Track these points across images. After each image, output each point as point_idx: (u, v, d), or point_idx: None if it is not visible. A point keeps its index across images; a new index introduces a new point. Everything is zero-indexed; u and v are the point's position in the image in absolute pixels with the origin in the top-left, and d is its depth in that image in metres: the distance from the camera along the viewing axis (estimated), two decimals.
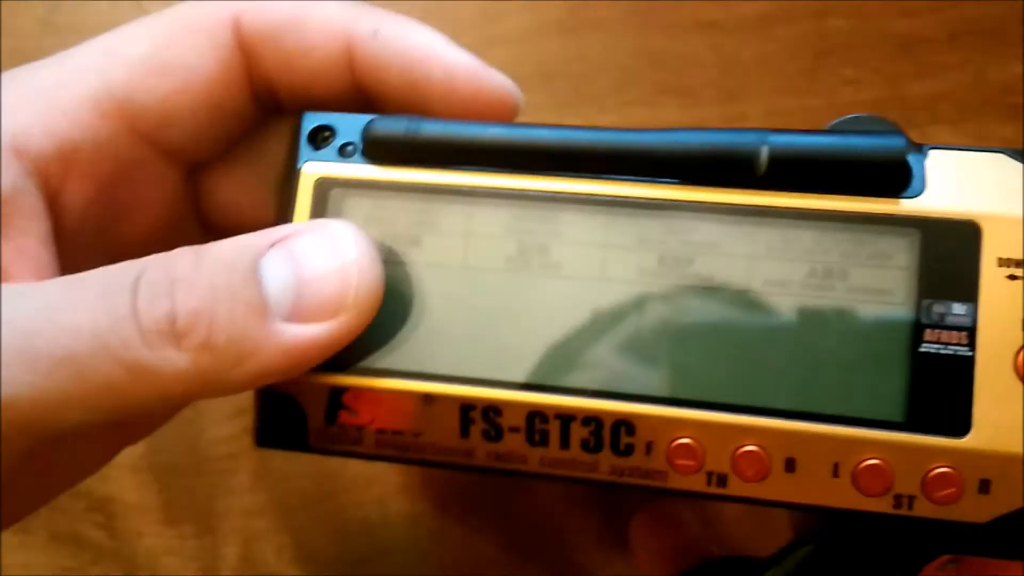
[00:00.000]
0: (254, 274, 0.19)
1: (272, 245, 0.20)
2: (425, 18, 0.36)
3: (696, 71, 0.35)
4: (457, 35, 0.36)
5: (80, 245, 0.22)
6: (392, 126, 0.23)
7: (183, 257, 0.19)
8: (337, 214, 0.22)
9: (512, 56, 0.36)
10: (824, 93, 0.34)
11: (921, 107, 0.34)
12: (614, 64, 0.35)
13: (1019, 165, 0.20)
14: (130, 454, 0.35)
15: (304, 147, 0.23)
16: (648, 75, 0.35)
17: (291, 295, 0.19)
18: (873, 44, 0.34)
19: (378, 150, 0.23)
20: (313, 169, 0.23)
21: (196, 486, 0.34)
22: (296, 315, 0.19)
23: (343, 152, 0.23)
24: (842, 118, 0.22)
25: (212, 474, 0.34)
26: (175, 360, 0.18)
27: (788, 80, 0.34)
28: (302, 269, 0.19)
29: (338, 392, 0.22)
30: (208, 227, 0.26)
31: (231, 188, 0.25)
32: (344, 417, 0.22)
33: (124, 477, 0.34)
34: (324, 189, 0.23)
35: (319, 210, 0.22)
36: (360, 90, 0.24)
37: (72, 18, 0.38)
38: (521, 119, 0.35)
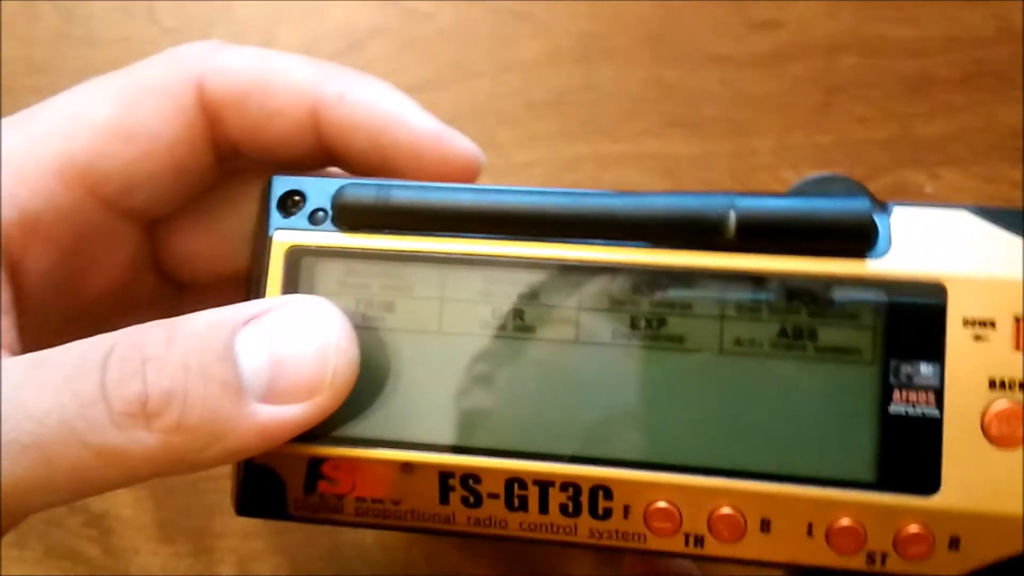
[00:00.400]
0: (229, 352, 0.18)
1: (247, 322, 0.19)
2: (439, 45, 0.37)
3: (707, 104, 0.35)
4: (470, 62, 0.36)
5: (40, 305, 0.22)
6: (362, 193, 0.22)
7: (154, 333, 0.18)
8: (310, 282, 0.22)
9: (524, 84, 0.36)
10: (834, 130, 0.34)
11: (931, 147, 0.34)
12: (625, 94, 0.35)
13: (981, 223, 0.21)
14: None
15: (274, 213, 0.23)
16: (659, 106, 0.35)
17: (267, 375, 0.19)
18: (884, 83, 0.34)
19: (349, 217, 0.22)
20: (284, 237, 0.23)
21: (192, 505, 0.34)
22: (272, 396, 0.19)
23: (313, 219, 0.23)
24: (808, 178, 0.22)
25: (209, 493, 0.34)
26: (145, 441, 0.17)
27: (799, 116, 0.34)
28: (279, 348, 0.19)
29: (317, 462, 0.22)
30: (166, 276, 0.26)
31: (190, 240, 0.25)
32: (324, 487, 0.22)
33: (121, 494, 0.34)
34: (296, 257, 0.22)
35: (291, 278, 0.22)
36: (326, 151, 0.24)
37: (87, 29, 0.39)
38: (532, 146, 0.35)
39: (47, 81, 0.39)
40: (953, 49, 0.34)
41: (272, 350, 0.19)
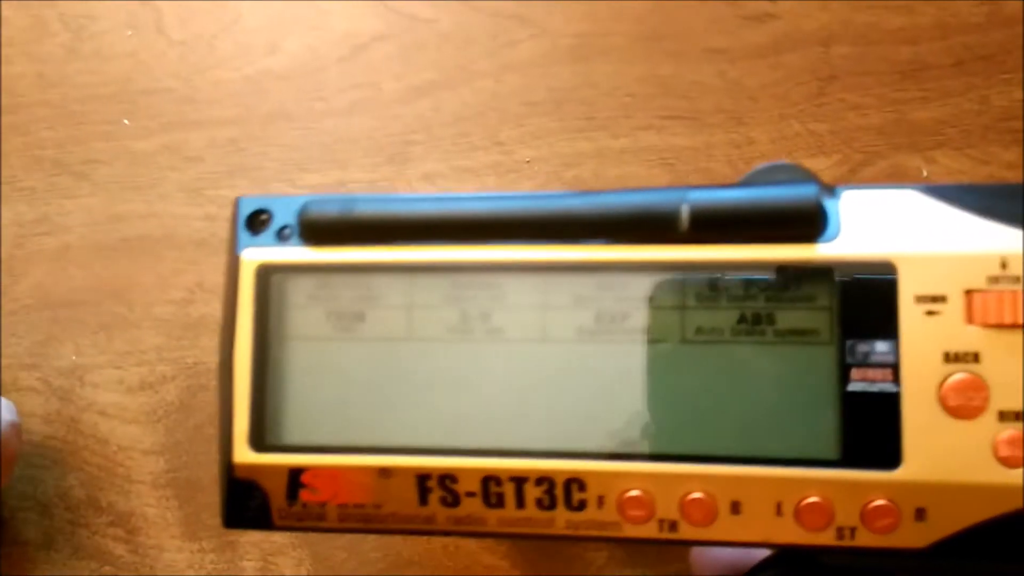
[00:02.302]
0: None
1: None
2: (440, 46, 0.37)
3: (704, 97, 0.35)
4: (472, 64, 0.37)
5: None
6: (326, 208, 0.23)
7: None
8: (280, 297, 0.23)
9: (523, 82, 0.37)
10: (830, 118, 0.35)
11: (926, 132, 0.34)
12: (623, 90, 0.36)
13: (929, 200, 0.21)
14: (151, 470, 0.36)
15: (242, 233, 0.23)
16: (657, 101, 0.36)
17: None
18: (878, 70, 0.35)
19: (315, 232, 0.23)
20: (252, 256, 0.23)
21: (216, 502, 0.34)
22: None
23: (281, 236, 0.23)
24: (759, 167, 0.23)
25: None
26: None
27: (794, 106, 0.35)
28: None
29: (297, 472, 0.23)
30: None
31: None
32: (305, 496, 0.23)
33: (145, 493, 0.35)
34: (265, 275, 0.23)
35: (262, 295, 0.23)
36: None
37: (96, 44, 0.40)
38: (535, 144, 0.36)
39: (58, 96, 0.39)
40: (944, 35, 0.35)
41: None
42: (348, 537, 0.34)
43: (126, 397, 0.37)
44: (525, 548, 0.33)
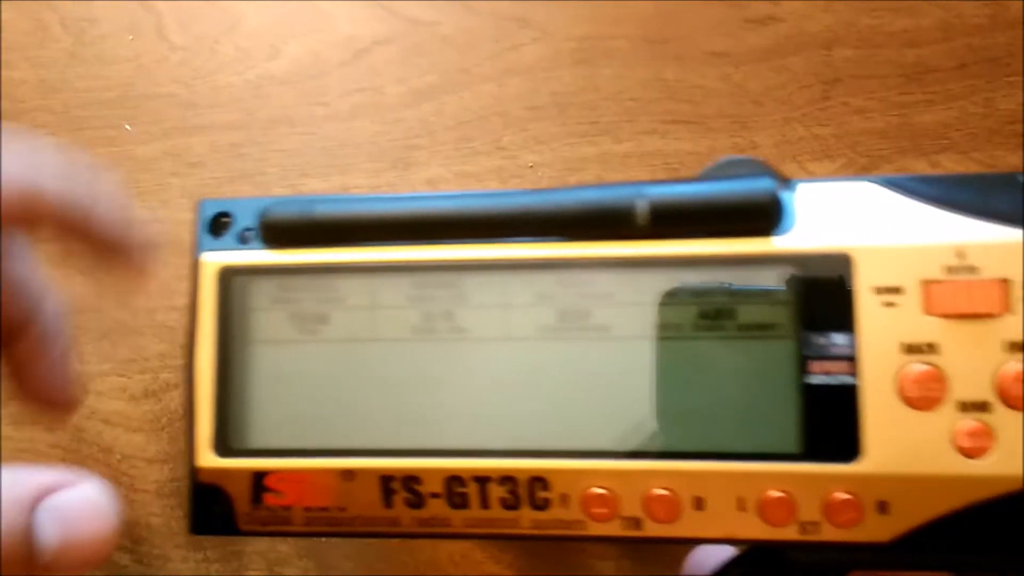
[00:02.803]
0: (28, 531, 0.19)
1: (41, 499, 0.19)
2: (442, 49, 0.37)
3: (707, 101, 0.35)
4: (474, 68, 0.37)
5: None
6: (287, 210, 0.23)
7: None
8: (242, 300, 0.23)
9: (527, 86, 0.36)
10: (834, 122, 0.35)
11: (930, 135, 0.34)
12: (627, 94, 0.36)
13: (886, 192, 0.21)
14: (156, 479, 0.35)
15: (204, 236, 0.23)
16: (660, 105, 0.36)
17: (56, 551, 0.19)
18: (882, 74, 0.35)
19: (276, 234, 0.23)
20: (213, 258, 0.23)
21: None
22: (56, 567, 0.19)
23: (242, 238, 0.23)
24: (717, 161, 0.23)
25: None
26: None
27: (798, 110, 0.35)
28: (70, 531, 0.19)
29: (260, 476, 0.23)
30: None
31: None
32: (270, 500, 0.23)
33: (150, 502, 0.35)
34: (227, 277, 0.23)
35: (224, 298, 0.23)
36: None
37: (97, 49, 0.39)
38: (538, 148, 0.36)
39: (59, 102, 0.39)
40: (949, 37, 0.35)
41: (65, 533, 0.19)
42: (354, 546, 0.34)
43: (130, 405, 0.36)
44: (531, 558, 0.33)
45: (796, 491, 0.21)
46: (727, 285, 0.21)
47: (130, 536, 0.35)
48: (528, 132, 0.36)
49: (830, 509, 0.21)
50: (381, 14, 0.38)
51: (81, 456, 0.36)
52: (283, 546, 0.34)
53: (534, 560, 0.33)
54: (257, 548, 0.34)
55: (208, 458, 0.23)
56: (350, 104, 0.37)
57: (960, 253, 0.20)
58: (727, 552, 0.27)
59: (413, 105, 0.37)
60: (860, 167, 0.34)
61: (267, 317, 0.23)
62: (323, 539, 0.34)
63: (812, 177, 0.22)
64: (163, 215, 0.38)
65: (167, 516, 0.35)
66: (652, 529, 0.22)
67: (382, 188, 0.36)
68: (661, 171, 0.35)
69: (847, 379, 0.21)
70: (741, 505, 0.21)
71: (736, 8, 0.36)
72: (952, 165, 0.34)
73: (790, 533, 0.21)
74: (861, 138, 0.34)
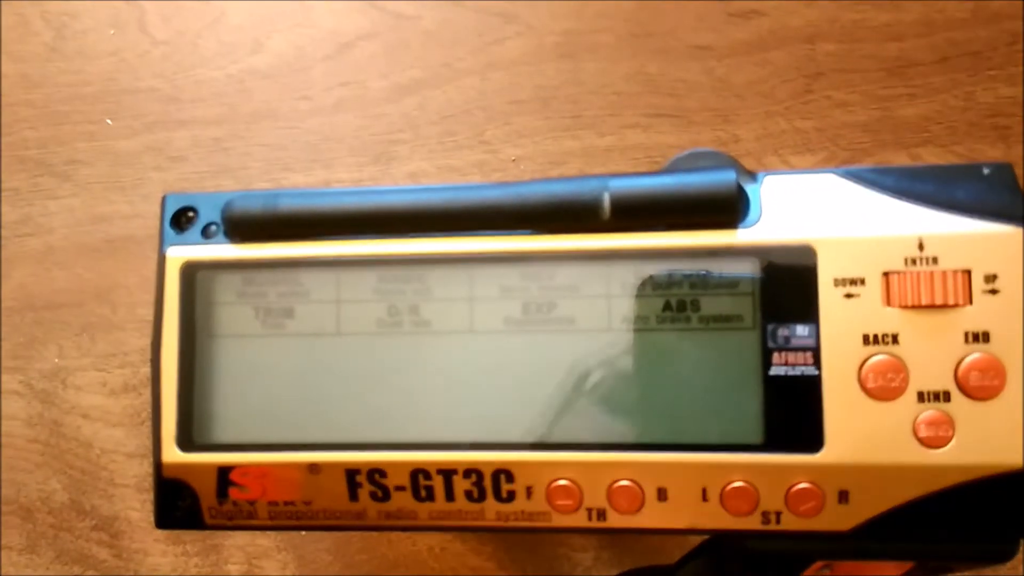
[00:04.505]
0: None
1: None
2: (425, 44, 0.37)
3: (690, 95, 0.35)
4: (457, 62, 0.37)
5: None
6: (250, 204, 0.23)
7: None
8: (206, 295, 0.23)
9: (510, 80, 0.36)
10: (816, 115, 0.35)
11: (912, 129, 0.34)
12: (610, 88, 0.36)
13: (848, 184, 0.21)
14: (135, 473, 0.35)
15: (167, 231, 0.23)
16: (643, 99, 0.36)
17: None
18: (863, 67, 0.35)
19: (240, 228, 0.23)
20: (177, 253, 0.23)
21: None
22: None
23: (206, 233, 0.23)
24: (680, 154, 0.23)
25: None
26: None
27: (780, 103, 0.35)
28: None
29: (226, 470, 0.23)
30: None
31: None
32: (235, 494, 0.23)
33: (130, 496, 0.35)
34: (191, 272, 0.23)
35: (188, 293, 0.23)
36: None
37: (79, 43, 0.39)
38: (520, 142, 0.36)
39: (40, 96, 0.39)
40: (930, 32, 0.35)
41: None
42: (334, 540, 0.34)
43: (109, 400, 0.36)
44: (511, 549, 0.33)
45: (759, 481, 0.21)
46: (691, 277, 0.21)
47: (109, 530, 0.35)
48: (511, 126, 0.36)
49: (792, 499, 0.21)
50: (364, 8, 0.38)
51: (60, 451, 0.36)
52: (263, 540, 0.34)
53: (514, 552, 0.33)
54: (236, 542, 0.34)
55: (173, 453, 0.23)
56: (333, 98, 0.37)
57: (921, 244, 0.20)
58: None
59: (396, 99, 0.37)
60: (842, 160, 0.34)
61: (231, 312, 0.23)
62: (302, 532, 0.34)
63: (781, 170, 0.21)
64: (144, 210, 0.38)
65: (146, 511, 0.35)
66: (616, 520, 0.22)
67: (365, 182, 0.36)
68: (644, 164, 0.35)
69: (809, 370, 0.21)
70: (704, 495, 0.21)
71: (719, 3, 0.36)
72: (933, 158, 0.34)
73: (752, 523, 0.21)
74: (843, 131, 0.34)
